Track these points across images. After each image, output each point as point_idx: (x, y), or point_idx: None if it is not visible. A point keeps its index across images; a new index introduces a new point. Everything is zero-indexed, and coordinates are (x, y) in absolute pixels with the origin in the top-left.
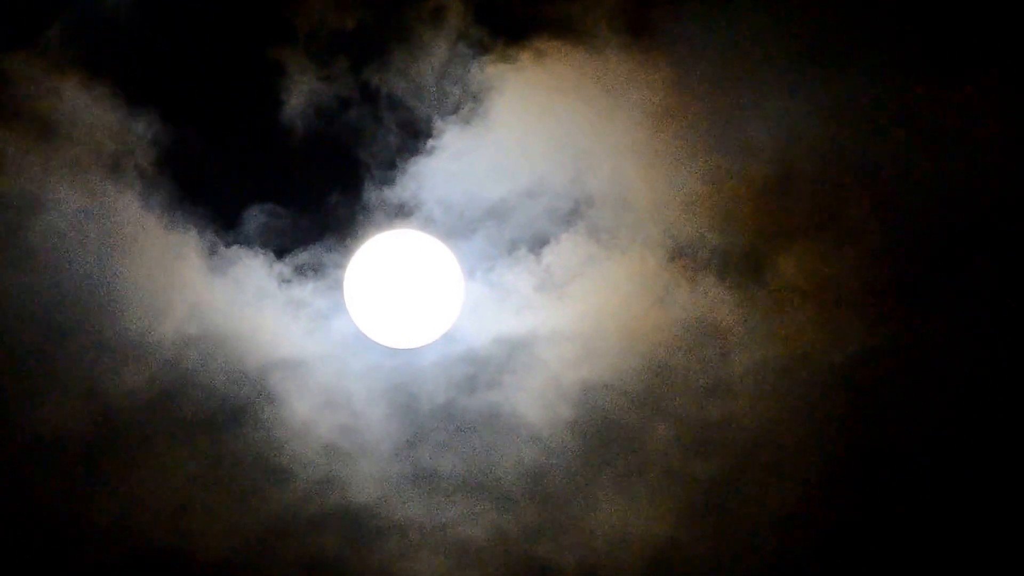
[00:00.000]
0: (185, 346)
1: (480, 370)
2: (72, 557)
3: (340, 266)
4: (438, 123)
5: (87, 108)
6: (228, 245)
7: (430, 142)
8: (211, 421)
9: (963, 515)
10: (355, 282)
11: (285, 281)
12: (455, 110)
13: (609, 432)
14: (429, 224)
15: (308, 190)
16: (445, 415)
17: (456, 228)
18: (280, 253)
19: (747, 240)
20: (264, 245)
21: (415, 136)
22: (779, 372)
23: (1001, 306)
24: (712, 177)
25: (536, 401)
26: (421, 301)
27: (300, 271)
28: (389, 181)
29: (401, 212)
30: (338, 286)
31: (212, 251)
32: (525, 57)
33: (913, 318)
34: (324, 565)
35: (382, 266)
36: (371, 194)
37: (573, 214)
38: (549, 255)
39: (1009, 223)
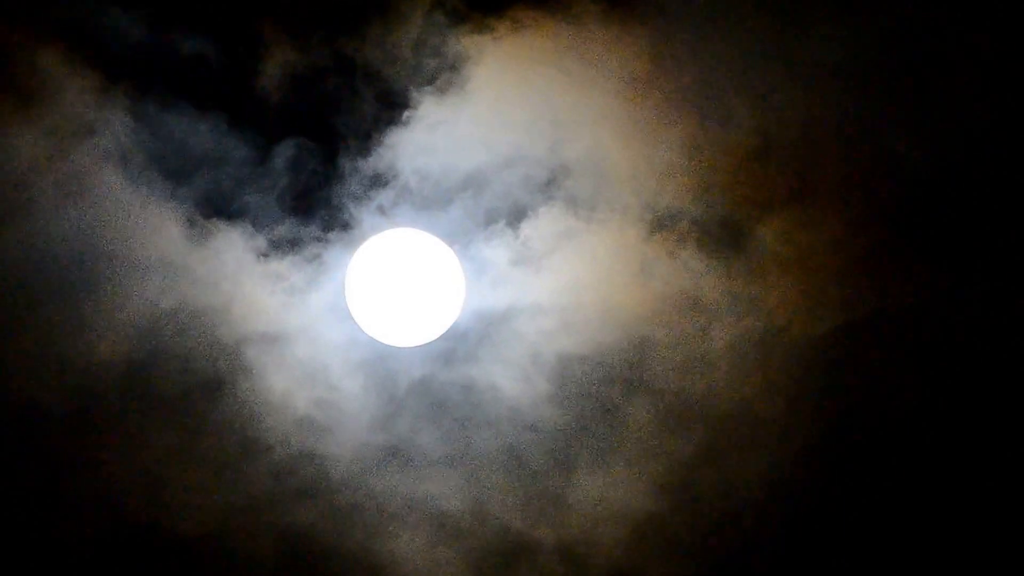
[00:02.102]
0: (161, 319)
1: (458, 344)
2: (47, 533)
3: (319, 239)
4: (414, 94)
5: (65, 77)
6: (206, 217)
7: (406, 113)
8: (187, 395)
9: (944, 488)
10: (356, 281)
11: (263, 254)
12: (431, 81)
13: (588, 407)
14: (405, 193)
15: (284, 161)
16: (422, 389)
17: (432, 199)
18: (258, 226)
19: (727, 210)
20: (242, 218)
21: (391, 107)
22: (759, 345)
23: (983, 275)
24: (691, 147)
25: (514, 375)
26: (423, 304)
27: (277, 244)
28: (365, 152)
29: (377, 183)
30: (315, 259)
31: (190, 223)
32: (502, 27)
33: (893, 288)
34: (301, 539)
35: (384, 265)
36: (347, 165)
37: (551, 185)
38: (527, 228)
39: (991, 192)
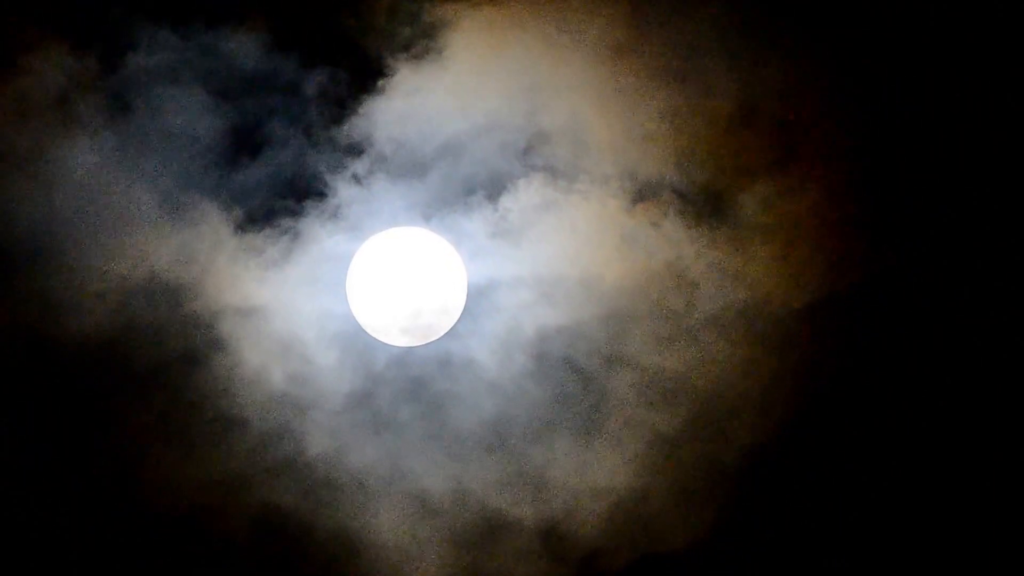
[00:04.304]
0: (134, 293)
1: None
2: (25, 511)
3: (294, 212)
4: (389, 61)
5: (36, 44)
6: (181, 190)
7: (381, 80)
8: (161, 370)
9: (926, 460)
10: (357, 277)
11: (238, 227)
12: (407, 48)
13: (568, 381)
14: (380, 162)
15: (259, 133)
16: (400, 364)
17: (409, 168)
18: (233, 199)
19: (709, 179)
20: (217, 191)
21: (366, 74)
22: (740, 318)
23: (964, 245)
24: (672, 115)
25: (493, 349)
26: (424, 304)
27: (252, 218)
28: (340, 120)
29: (352, 151)
30: (290, 231)
31: (164, 196)
32: None
33: (874, 258)
34: (278, 516)
35: (388, 263)
36: (322, 135)
37: (529, 154)
38: (506, 199)
39: (974, 163)
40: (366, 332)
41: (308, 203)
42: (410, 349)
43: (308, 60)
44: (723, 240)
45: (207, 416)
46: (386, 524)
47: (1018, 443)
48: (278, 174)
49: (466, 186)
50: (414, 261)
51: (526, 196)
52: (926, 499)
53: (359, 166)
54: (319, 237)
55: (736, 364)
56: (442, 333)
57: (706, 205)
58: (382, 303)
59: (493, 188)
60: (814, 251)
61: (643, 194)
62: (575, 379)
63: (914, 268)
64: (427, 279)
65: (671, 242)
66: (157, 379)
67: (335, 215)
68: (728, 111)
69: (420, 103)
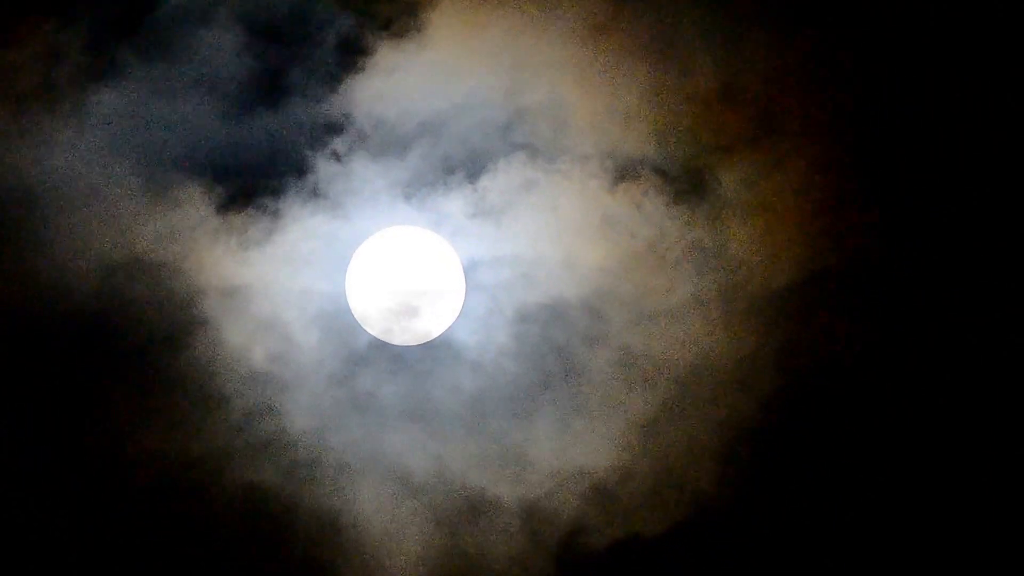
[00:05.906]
0: (115, 273)
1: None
2: (7, 489)
3: (276, 193)
4: (370, 39)
5: (17, 22)
6: (163, 169)
7: (361, 59)
8: (142, 349)
9: (908, 437)
10: (357, 275)
11: (220, 207)
12: (387, 26)
13: (548, 361)
14: (360, 140)
15: (241, 112)
16: (381, 343)
17: (389, 146)
18: (215, 178)
19: (689, 157)
20: (198, 170)
21: (346, 53)
22: (721, 299)
23: (946, 223)
24: (652, 93)
25: (474, 329)
26: (423, 303)
27: (234, 197)
28: (319, 98)
29: (332, 130)
30: (270, 210)
31: (146, 175)
32: None
33: (854, 236)
34: (262, 495)
35: (388, 261)
36: (303, 113)
37: (509, 133)
38: (486, 179)
39: (954, 138)
40: (366, 332)
41: (288, 181)
42: (390, 328)
43: (295, 39)
44: (703, 219)
45: (189, 395)
46: (367, 502)
47: (1004, 423)
48: (258, 153)
49: (446, 165)
50: (416, 264)
51: (506, 175)
52: (908, 472)
53: (339, 144)
54: (300, 216)
55: (717, 343)
56: (438, 335)
57: (687, 184)
58: (381, 304)
59: (473, 167)
60: (794, 230)
61: (624, 174)
62: (556, 359)
63: (895, 246)
64: (428, 283)
65: (652, 222)
66: (139, 358)
67: (314, 193)
68: (708, 89)
69: (400, 81)
